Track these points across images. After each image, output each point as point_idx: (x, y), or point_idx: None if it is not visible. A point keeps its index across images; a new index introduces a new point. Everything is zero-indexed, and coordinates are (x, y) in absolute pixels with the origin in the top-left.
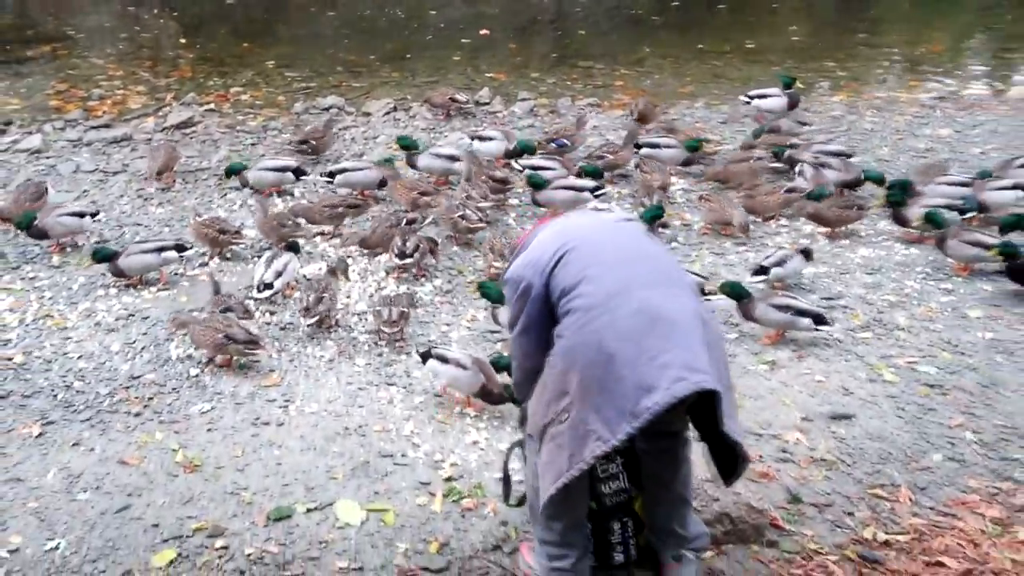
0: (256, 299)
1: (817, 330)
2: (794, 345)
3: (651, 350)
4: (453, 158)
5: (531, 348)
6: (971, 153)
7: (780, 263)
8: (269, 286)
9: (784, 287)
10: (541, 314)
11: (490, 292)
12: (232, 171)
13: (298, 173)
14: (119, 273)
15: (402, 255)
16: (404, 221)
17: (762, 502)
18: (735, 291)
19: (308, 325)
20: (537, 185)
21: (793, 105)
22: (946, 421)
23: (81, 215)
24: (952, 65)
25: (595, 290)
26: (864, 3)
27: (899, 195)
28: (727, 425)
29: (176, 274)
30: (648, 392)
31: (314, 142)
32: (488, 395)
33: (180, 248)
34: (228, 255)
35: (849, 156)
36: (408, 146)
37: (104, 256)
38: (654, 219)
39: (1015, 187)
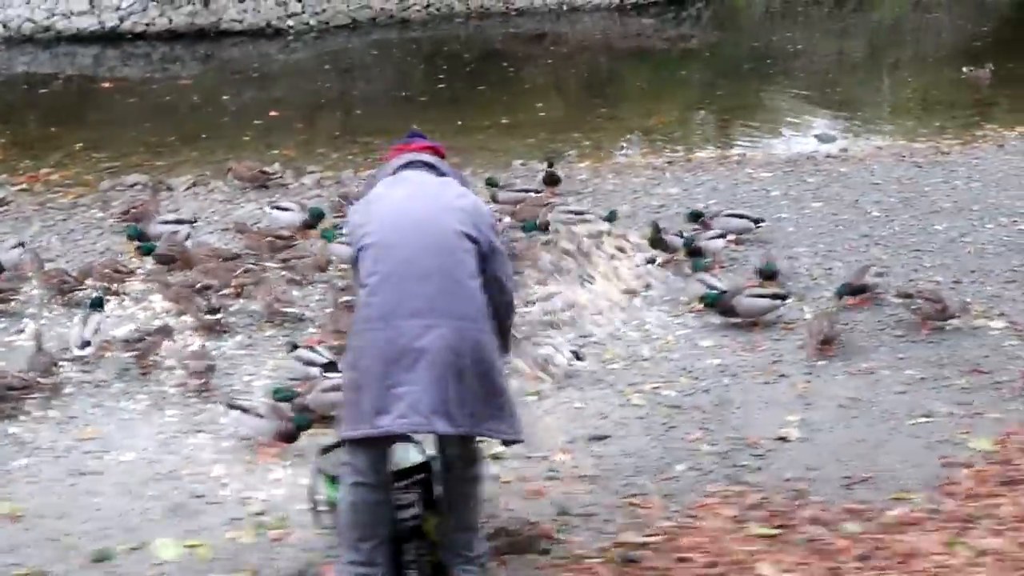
0: (76, 357)
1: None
2: (555, 378)
3: (391, 379)
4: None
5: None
6: (695, 207)
7: None
8: (88, 344)
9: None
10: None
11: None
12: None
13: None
14: None
15: (211, 311)
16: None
17: (535, 516)
18: None
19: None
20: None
21: (554, 182)
22: (686, 436)
23: None
24: (679, 134)
25: (372, 303)
26: (604, 82)
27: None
28: (490, 433)
29: None
30: (382, 414)
31: (136, 210)
32: (286, 437)
33: None
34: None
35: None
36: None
37: None
38: None
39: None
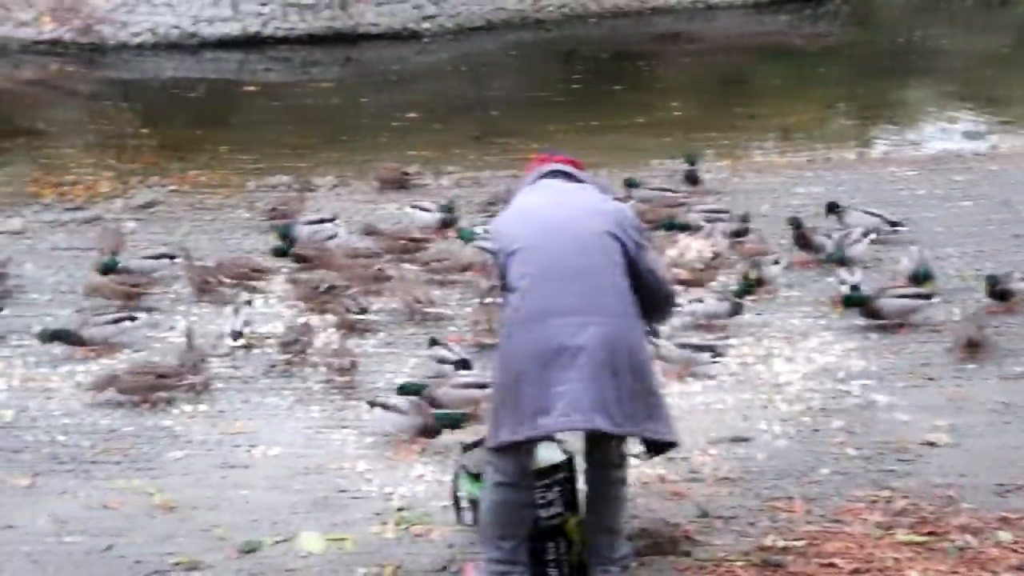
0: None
1: (714, 361)
2: (695, 377)
3: (551, 378)
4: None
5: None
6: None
7: None
8: (240, 335)
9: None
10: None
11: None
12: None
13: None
14: (80, 343)
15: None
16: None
17: (675, 517)
18: None
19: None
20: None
21: (694, 182)
22: (831, 439)
23: None
24: (819, 132)
25: (523, 306)
26: (741, 82)
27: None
28: (648, 433)
29: (146, 337)
30: (544, 414)
31: (284, 207)
32: (427, 433)
33: (133, 319)
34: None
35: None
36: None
37: (58, 337)
38: None
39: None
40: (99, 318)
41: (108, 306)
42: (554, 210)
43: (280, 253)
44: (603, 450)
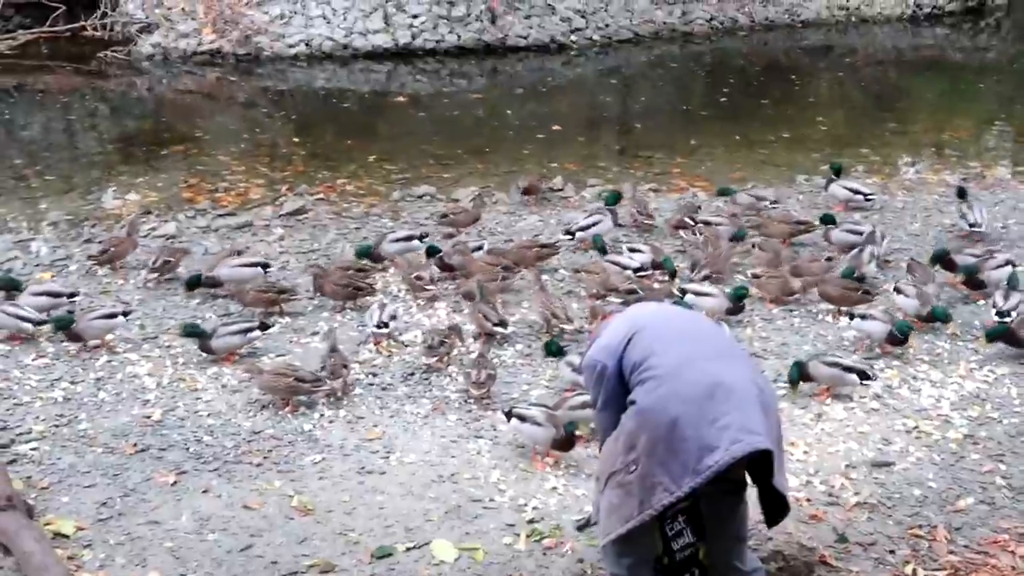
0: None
1: (863, 384)
2: (838, 398)
3: (711, 413)
4: (411, 238)
5: (611, 421)
6: (993, 227)
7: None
8: (385, 325)
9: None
10: (616, 391)
11: (551, 347)
12: (360, 254)
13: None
14: (208, 351)
15: (502, 323)
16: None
17: (812, 541)
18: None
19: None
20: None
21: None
22: (978, 468)
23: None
24: (974, 150)
25: (662, 362)
26: (893, 96)
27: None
28: (777, 479)
29: (291, 342)
30: (710, 451)
31: (453, 216)
32: (561, 445)
33: (264, 327)
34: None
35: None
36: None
37: (193, 333)
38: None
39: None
40: (227, 327)
41: (248, 312)
42: (659, 306)
43: (429, 254)
44: (735, 473)
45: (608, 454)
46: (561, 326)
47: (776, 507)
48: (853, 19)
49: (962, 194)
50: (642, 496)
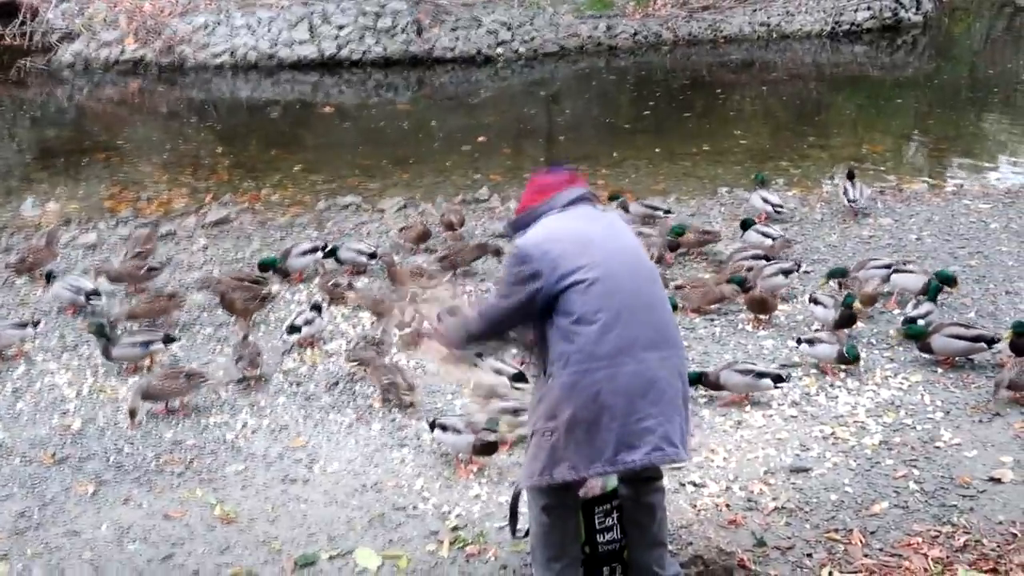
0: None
1: (776, 387)
2: (757, 406)
3: (638, 412)
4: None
5: (509, 321)
6: (908, 239)
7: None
8: (297, 329)
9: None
10: (533, 305)
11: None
12: (264, 265)
13: (329, 253)
14: (109, 358)
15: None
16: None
17: (731, 545)
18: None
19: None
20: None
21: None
22: (892, 473)
23: None
24: (892, 164)
25: (605, 340)
26: (813, 110)
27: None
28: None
29: (212, 352)
30: (629, 449)
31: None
32: (483, 450)
33: (168, 339)
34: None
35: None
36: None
37: (100, 332)
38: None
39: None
40: (129, 338)
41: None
42: (614, 240)
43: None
44: (653, 468)
45: (532, 411)
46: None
47: None
48: (774, 35)
49: (851, 175)
50: (546, 463)
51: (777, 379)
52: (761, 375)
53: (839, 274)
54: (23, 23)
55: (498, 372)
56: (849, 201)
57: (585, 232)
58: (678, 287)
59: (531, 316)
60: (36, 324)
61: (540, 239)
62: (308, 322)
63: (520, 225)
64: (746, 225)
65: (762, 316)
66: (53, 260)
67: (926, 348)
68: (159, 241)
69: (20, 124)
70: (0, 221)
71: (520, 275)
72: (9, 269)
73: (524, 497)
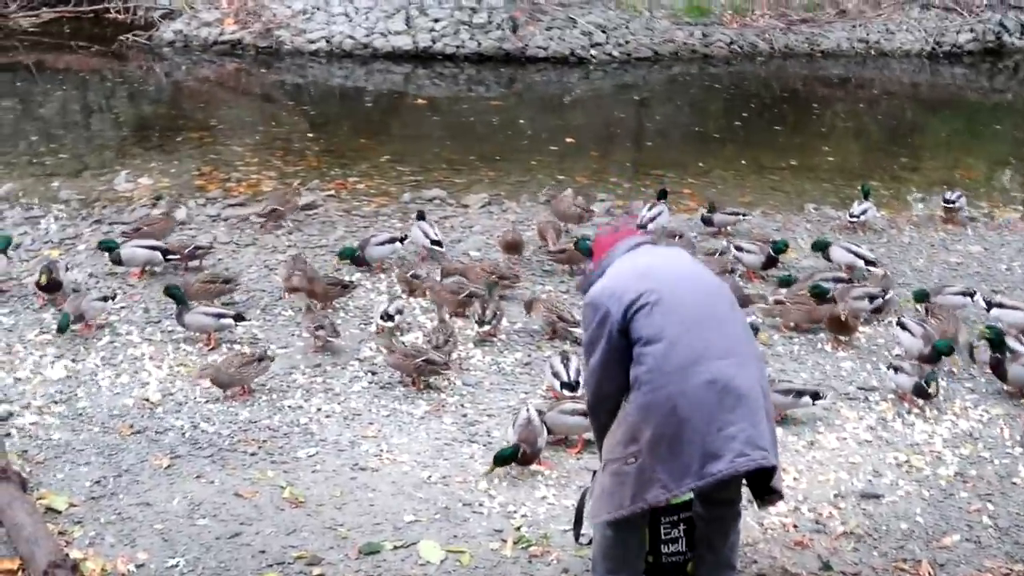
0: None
1: (814, 405)
2: (831, 428)
3: (719, 421)
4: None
5: (605, 374)
6: (998, 268)
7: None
8: (391, 316)
9: None
10: (618, 348)
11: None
12: (344, 256)
13: (403, 241)
14: (181, 323)
15: (481, 323)
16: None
17: (796, 567)
18: None
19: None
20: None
21: None
22: (966, 506)
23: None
24: (985, 190)
25: (674, 354)
26: (908, 131)
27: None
28: (774, 483)
29: (292, 335)
30: (714, 459)
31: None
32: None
33: (239, 318)
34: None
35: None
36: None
37: (175, 295)
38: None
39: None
40: (202, 308)
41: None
42: (670, 265)
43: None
44: (732, 488)
45: (609, 442)
46: (568, 329)
47: (767, 493)
48: (872, 52)
49: (866, 194)
50: (636, 489)
51: (815, 396)
52: (800, 393)
53: (922, 297)
54: None
55: (556, 375)
56: (851, 217)
57: (645, 263)
58: (778, 301)
59: (623, 361)
60: (113, 298)
61: (603, 284)
62: (399, 311)
63: (590, 283)
64: (818, 246)
65: (842, 337)
66: (170, 231)
67: (1001, 376)
68: (246, 222)
69: (119, 98)
70: (94, 193)
71: (594, 323)
72: (124, 237)
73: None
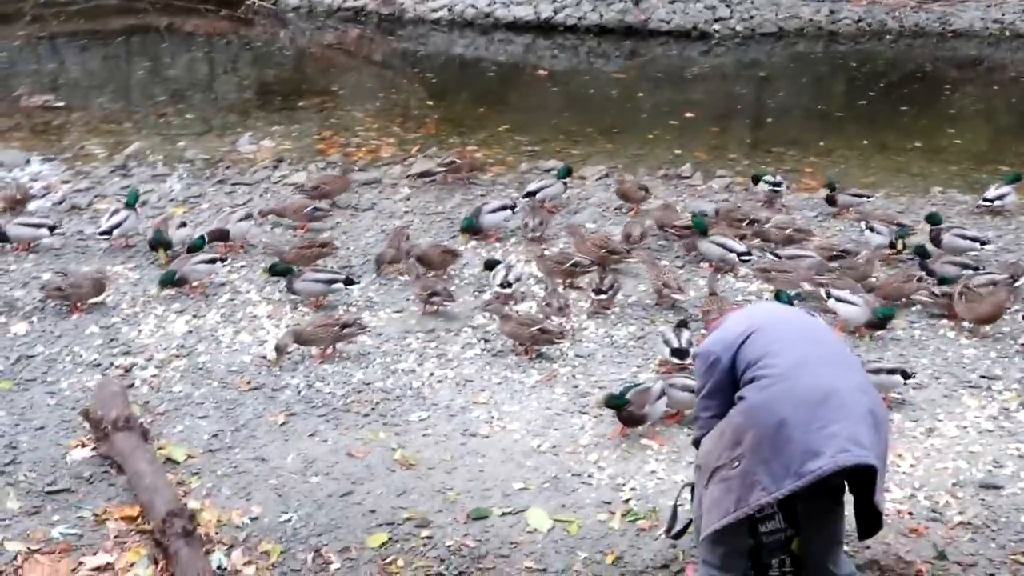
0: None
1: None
2: (951, 416)
3: (821, 420)
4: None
5: (713, 411)
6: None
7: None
8: (509, 284)
9: None
10: (725, 384)
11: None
12: (466, 228)
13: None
14: (292, 291)
15: (598, 291)
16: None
17: (910, 555)
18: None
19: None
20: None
21: None
22: None
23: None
24: None
25: (778, 362)
26: None
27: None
28: (877, 497)
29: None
30: (814, 457)
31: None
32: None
33: (348, 282)
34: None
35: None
36: None
37: (279, 271)
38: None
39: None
40: (312, 274)
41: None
42: (774, 306)
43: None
44: (834, 481)
45: (713, 447)
46: (673, 296)
47: (870, 522)
48: (1007, 33)
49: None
50: (740, 493)
51: (905, 375)
52: (891, 372)
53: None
54: None
55: (666, 342)
56: (984, 200)
57: (749, 312)
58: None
59: (728, 394)
60: (223, 260)
61: (712, 336)
62: (519, 278)
63: None
64: (933, 220)
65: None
66: (347, 189)
67: None
68: (365, 187)
69: (243, 61)
70: (218, 154)
71: (704, 368)
72: (302, 194)
73: (685, 496)
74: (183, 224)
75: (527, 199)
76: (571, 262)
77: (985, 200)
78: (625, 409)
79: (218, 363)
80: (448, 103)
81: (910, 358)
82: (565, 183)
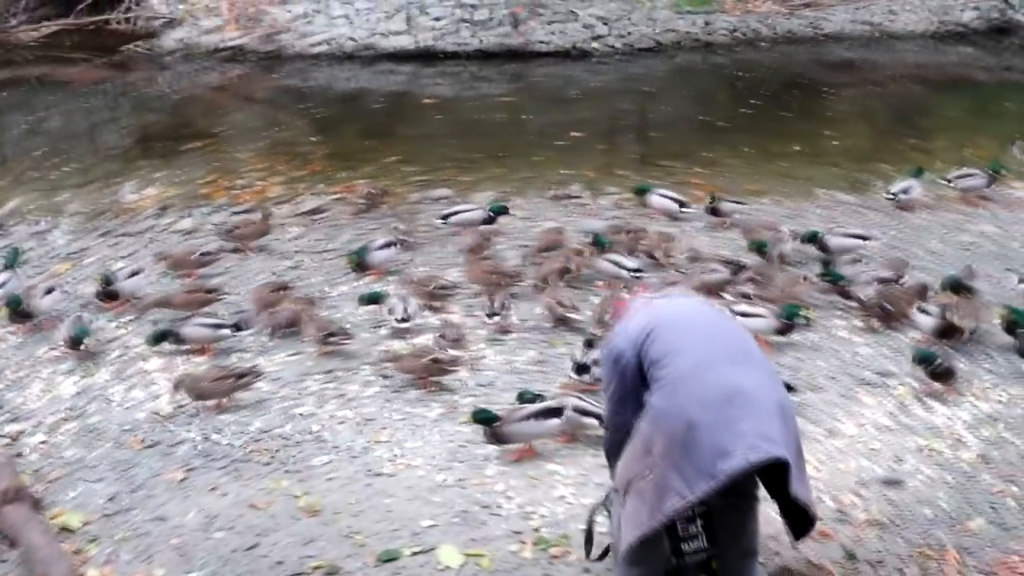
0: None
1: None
2: (850, 415)
3: (729, 419)
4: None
5: (622, 411)
6: (1011, 247)
7: None
8: (407, 320)
9: None
10: (634, 383)
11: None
12: (355, 261)
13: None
14: (179, 340)
15: (491, 315)
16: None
17: (820, 558)
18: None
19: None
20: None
21: None
22: (990, 489)
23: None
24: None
25: (681, 362)
26: (915, 112)
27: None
28: (796, 490)
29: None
30: (725, 457)
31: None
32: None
33: (237, 328)
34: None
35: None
36: None
37: (160, 338)
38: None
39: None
40: (200, 320)
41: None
42: (680, 301)
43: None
44: (747, 483)
45: (627, 461)
46: (567, 315)
47: (800, 519)
48: (877, 34)
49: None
50: (654, 502)
51: (787, 388)
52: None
53: (952, 284)
54: (128, 8)
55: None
56: (888, 195)
57: (654, 306)
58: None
59: (638, 396)
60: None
61: (616, 331)
62: (417, 313)
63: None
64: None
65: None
66: (267, 233)
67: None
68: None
69: (122, 109)
70: (101, 206)
71: (609, 363)
72: (220, 238)
73: (598, 519)
74: (50, 290)
75: (443, 221)
76: (434, 284)
77: (889, 194)
78: (493, 425)
79: (111, 423)
80: (335, 138)
81: (806, 360)
82: (491, 216)
